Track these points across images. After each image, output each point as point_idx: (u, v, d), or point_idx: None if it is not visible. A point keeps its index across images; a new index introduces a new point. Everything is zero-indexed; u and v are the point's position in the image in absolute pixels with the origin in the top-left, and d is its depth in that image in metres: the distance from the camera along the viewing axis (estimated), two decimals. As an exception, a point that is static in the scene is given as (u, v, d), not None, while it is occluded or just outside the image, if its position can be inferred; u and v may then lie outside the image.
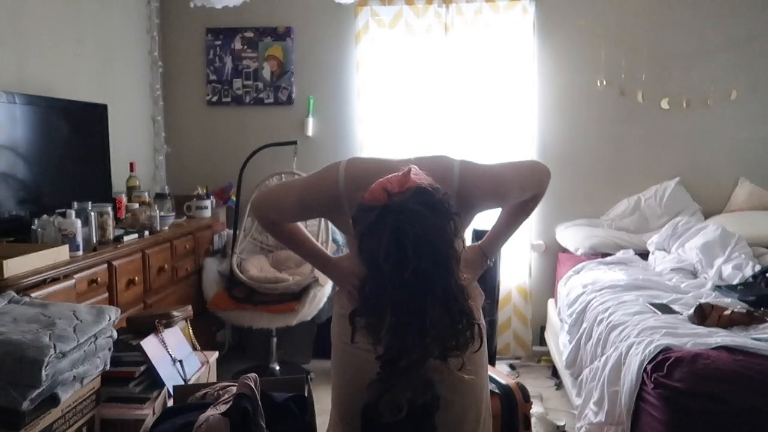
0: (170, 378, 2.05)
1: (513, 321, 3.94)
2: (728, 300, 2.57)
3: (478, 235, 3.09)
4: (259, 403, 1.58)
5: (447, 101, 3.89)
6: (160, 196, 3.49)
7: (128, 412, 1.87)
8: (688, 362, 1.91)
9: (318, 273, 3.31)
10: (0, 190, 2.49)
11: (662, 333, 2.15)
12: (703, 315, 2.32)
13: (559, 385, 3.38)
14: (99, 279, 2.49)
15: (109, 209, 2.71)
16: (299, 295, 3.34)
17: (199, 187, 3.87)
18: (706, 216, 3.72)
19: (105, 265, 2.56)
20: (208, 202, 3.72)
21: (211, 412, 1.58)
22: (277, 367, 3.56)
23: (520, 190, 1.57)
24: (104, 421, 1.85)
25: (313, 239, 1.72)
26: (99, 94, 3.32)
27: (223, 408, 1.59)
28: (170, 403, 1.96)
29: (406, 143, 3.91)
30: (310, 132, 4.06)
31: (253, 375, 1.65)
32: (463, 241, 1.47)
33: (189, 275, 3.40)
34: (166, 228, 3.18)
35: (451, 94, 3.88)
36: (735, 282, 2.83)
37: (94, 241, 2.56)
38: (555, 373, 3.50)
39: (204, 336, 3.01)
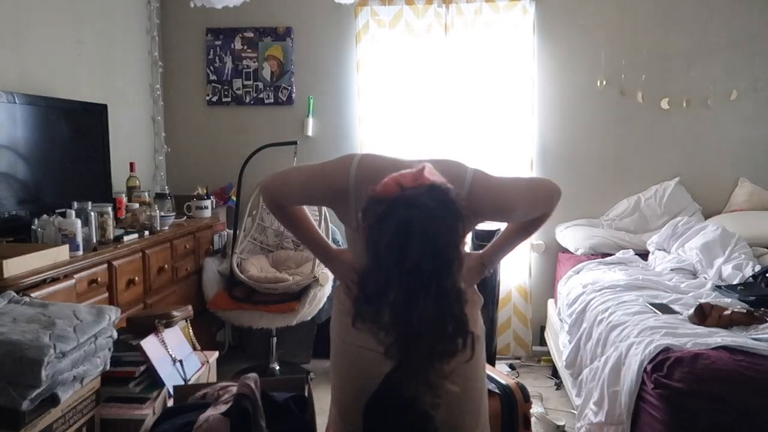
0: (170, 378, 2.05)
1: (513, 321, 3.94)
2: (728, 300, 2.56)
3: (477, 234, 3.09)
4: (259, 403, 1.58)
5: (447, 101, 3.89)
6: (160, 196, 3.49)
7: (128, 412, 1.87)
8: (688, 362, 1.91)
9: (318, 272, 3.31)
10: (0, 190, 2.49)
11: (662, 333, 2.15)
12: (703, 315, 2.32)
13: (559, 385, 3.38)
14: (99, 279, 2.49)
15: (109, 209, 2.71)
16: (299, 295, 3.34)
17: (199, 187, 3.87)
18: (706, 216, 3.72)
19: (105, 265, 2.56)
20: (208, 202, 3.72)
21: (211, 412, 1.58)
22: (277, 367, 3.56)
23: (528, 208, 1.55)
24: (104, 421, 1.84)
25: (317, 228, 1.71)
26: (99, 94, 3.32)
27: (223, 408, 1.59)
28: (170, 403, 1.96)
29: (406, 143, 3.91)
30: (310, 132, 4.06)
31: (253, 375, 1.65)
32: (464, 246, 1.46)
33: (189, 275, 3.40)
34: (166, 228, 3.18)
35: (451, 94, 3.88)
36: (735, 282, 2.83)
37: (94, 241, 2.56)
38: (555, 373, 3.50)
39: (204, 336, 3.02)
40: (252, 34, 4.06)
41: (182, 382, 2.08)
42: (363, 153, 1.52)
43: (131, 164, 3.44)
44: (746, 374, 1.87)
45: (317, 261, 3.25)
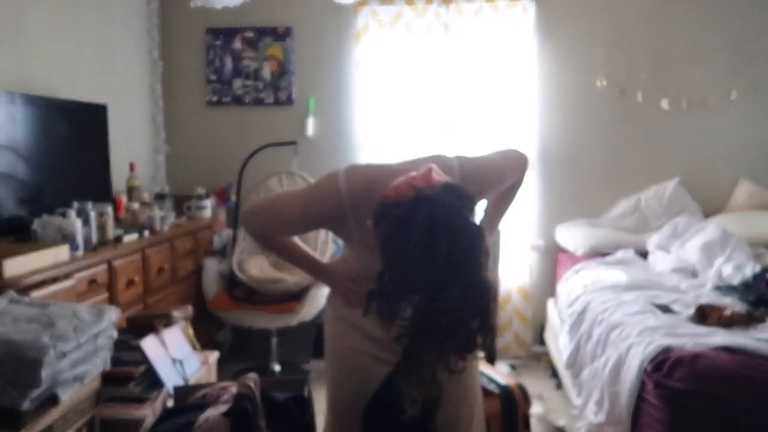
0: (170, 378, 2.05)
1: (513, 321, 3.94)
2: (728, 300, 2.57)
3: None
4: (259, 403, 1.58)
5: (447, 101, 3.89)
6: (160, 196, 3.49)
7: (128, 412, 1.87)
8: (688, 362, 1.91)
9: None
10: (0, 190, 2.49)
11: (662, 333, 2.15)
12: (703, 315, 2.33)
13: (559, 385, 3.38)
14: (99, 279, 2.49)
15: (109, 209, 2.71)
16: (299, 295, 3.34)
17: (199, 187, 3.87)
18: (706, 216, 3.72)
19: (105, 265, 2.56)
20: (208, 202, 3.72)
21: (211, 412, 1.58)
22: (277, 367, 3.56)
23: (512, 176, 1.65)
24: (104, 421, 1.85)
25: (304, 246, 1.69)
26: (99, 94, 3.32)
27: (223, 408, 1.59)
28: (170, 403, 1.96)
29: (406, 143, 3.91)
30: (310, 132, 4.06)
31: (253, 375, 1.66)
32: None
33: (189, 275, 3.40)
34: (166, 228, 3.18)
35: (451, 93, 3.88)
36: (735, 282, 2.83)
37: (94, 241, 2.56)
38: (555, 373, 3.50)
39: (204, 336, 3.02)
40: (252, 34, 4.06)
41: (182, 382, 2.08)
42: (346, 167, 1.49)
43: (131, 164, 3.44)
44: (746, 374, 1.87)
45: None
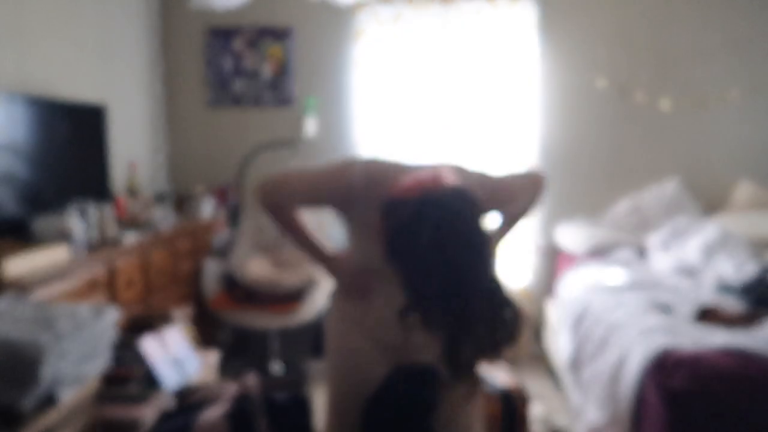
0: (170, 378, 2.05)
1: (513, 321, 3.93)
2: (728, 300, 2.57)
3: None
4: (259, 403, 1.58)
5: (448, 101, 3.89)
6: (160, 196, 3.48)
7: (128, 412, 1.87)
8: (688, 363, 1.91)
9: (318, 273, 3.32)
10: (0, 190, 2.49)
11: (662, 333, 2.15)
12: (704, 315, 2.33)
13: (559, 385, 3.38)
14: (99, 279, 2.49)
15: (109, 209, 2.71)
16: (299, 295, 3.34)
17: (199, 187, 3.87)
18: (706, 216, 3.72)
19: (105, 265, 2.56)
20: (208, 202, 3.72)
21: (211, 413, 1.58)
22: (277, 367, 3.56)
23: (522, 196, 1.66)
24: (104, 421, 1.84)
25: (314, 233, 1.70)
26: (99, 94, 3.32)
27: (223, 408, 1.59)
28: (170, 403, 1.96)
29: (406, 143, 3.91)
30: (309, 132, 4.06)
31: (253, 375, 1.66)
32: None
33: (189, 275, 3.40)
34: (166, 228, 3.18)
35: (451, 93, 3.88)
36: (735, 282, 2.83)
37: (94, 241, 2.56)
38: (554, 373, 3.50)
39: (204, 336, 3.02)
40: (252, 34, 4.06)
41: (182, 382, 2.08)
42: (367, 157, 1.54)
43: (131, 164, 3.44)
44: (747, 375, 1.87)
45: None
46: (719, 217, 3.65)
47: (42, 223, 2.38)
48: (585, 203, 3.94)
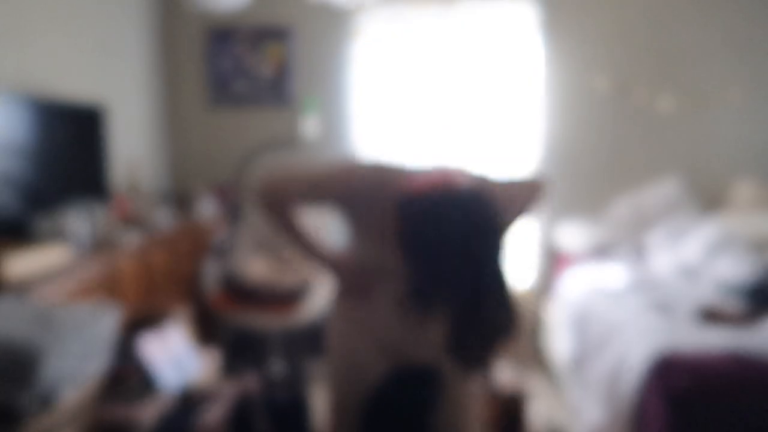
0: (170, 378, 2.05)
1: (513, 321, 3.93)
2: (728, 300, 2.56)
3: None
4: (259, 403, 1.58)
5: (448, 100, 3.89)
6: (160, 196, 3.48)
7: (128, 412, 1.87)
8: (688, 363, 1.91)
9: (318, 273, 3.32)
10: (0, 190, 2.49)
11: (663, 334, 2.15)
12: (704, 315, 2.32)
13: (559, 385, 3.38)
14: (99, 279, 2.49)
15: (110, 209, 2.71)
16: (299, 295, 3.34)
17: (200, 187, 3.87)
18: (707, 215, 3.72)
19: (105, 265, 2.56)
20: (208, 202, 3.72)
21: (211, 412, 1.58)
22: (277, 367, 3.56)
23: (521, 202, 1.66)
24: (104, 421, 1.84)
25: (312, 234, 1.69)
26: (99, 95, 3.32)
27: (223, 408, 1.59)
28: (170, 403, 1.96)
29: (406, 143, 3.91)
30: (309, 132, 4.06)
31: (254, 375, 1.66)
32: None
33: (189, 275, 3.40)
34: (166, 228, 3.18)
35: (452, 93, 3.88)
36: (735, 281, 2.83)
37: (94, 240, 2.56)
38: (554, 373, 3.50)
39: (204, 336, 3.02)
40: (252, 35, 4.06)
41: (182, 382, 2.08)
42: (370, 159, 1.55)
43: (132, 164, 3.44)
44: (747, 375, 1.87)
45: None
46: (719, 216, 3.65)
47: (42, 223, 2.38)
48: (585, 202, 3.94)
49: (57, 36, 3.05)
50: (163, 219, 3.17)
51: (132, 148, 3.72)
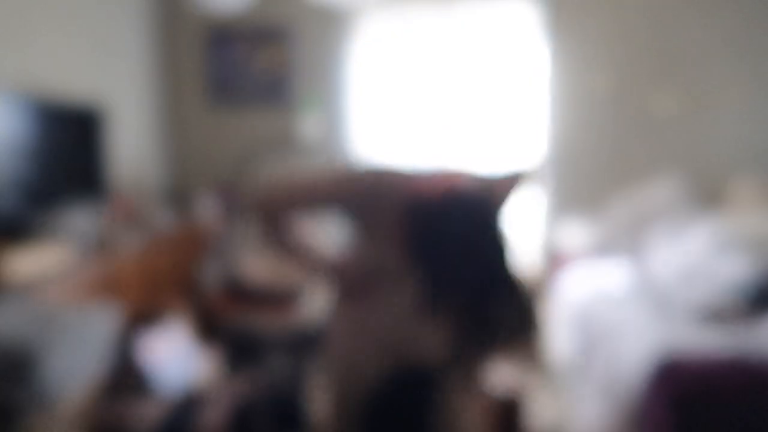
0: (170, 378, 2.05)
1: (513, 321, 3.93)
2: (729, 300, 2.56)
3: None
4: (259, 403, 1.58)
5: (449, 100, 3.89)
6: (160, 196, 3.48)
7: (128, 412, 1.87)
8: (689, 363, 1.91)
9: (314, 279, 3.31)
10: (0, 190, 2.49)
11: (663, 333, 2.15)
12: (704, 315, 2.32)
13: (559, 386, 3.38)
14: (99, 279, 2.49)
15: (110, 209, 2.71)
16: (299, 295, 3.34)
17: (200, 187, 3.87)
18: (707, 214, 3.71)
19: (105, 265, 2.56)
20: (208, 202, 3.72)
21: (212, 412, 1.58)
22: (277, 368, 3.56)
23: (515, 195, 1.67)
24: (104, 421, 1.84)
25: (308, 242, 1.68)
26: (100, 95, 3.32)
27: (223, 408, 1.59)
28: (170, 403, 1.96)
29: (406, 143, 3.91)
30: (309, 132, 4.06)
31: (253, 375, 1.65)
32: None
33: (189, 275, 3.40)
34: (166, 228, 3.18)
35: (453, 92, 3.89)
36: (735, 281, 2.82)
37: (94, 241, 2.56)
38: (554, 374, 3.49)
39: (204, 336, 3.02)
40: (252, 35, 4.06)
41: (182, 383, 2.08)
42: (374, 160, 1.55)
43: (132, 164, 3.44)
44: (747, 376, 1.87)
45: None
46: (719, 215, 3.65)
47: (43, 223, 2.38)
48: (585, 202, 3.93)
49: (57, 36, 3.05)
50: (163, 219, 3.17)
51: (132, 147, 3.72)
